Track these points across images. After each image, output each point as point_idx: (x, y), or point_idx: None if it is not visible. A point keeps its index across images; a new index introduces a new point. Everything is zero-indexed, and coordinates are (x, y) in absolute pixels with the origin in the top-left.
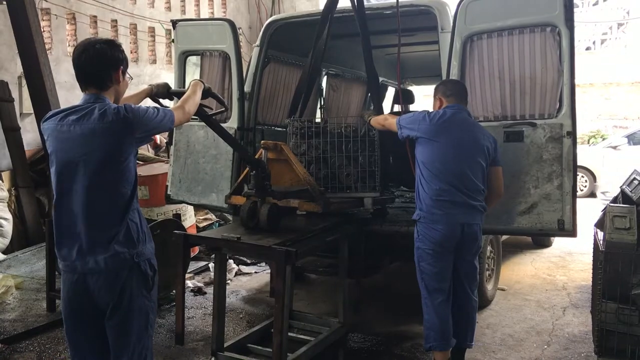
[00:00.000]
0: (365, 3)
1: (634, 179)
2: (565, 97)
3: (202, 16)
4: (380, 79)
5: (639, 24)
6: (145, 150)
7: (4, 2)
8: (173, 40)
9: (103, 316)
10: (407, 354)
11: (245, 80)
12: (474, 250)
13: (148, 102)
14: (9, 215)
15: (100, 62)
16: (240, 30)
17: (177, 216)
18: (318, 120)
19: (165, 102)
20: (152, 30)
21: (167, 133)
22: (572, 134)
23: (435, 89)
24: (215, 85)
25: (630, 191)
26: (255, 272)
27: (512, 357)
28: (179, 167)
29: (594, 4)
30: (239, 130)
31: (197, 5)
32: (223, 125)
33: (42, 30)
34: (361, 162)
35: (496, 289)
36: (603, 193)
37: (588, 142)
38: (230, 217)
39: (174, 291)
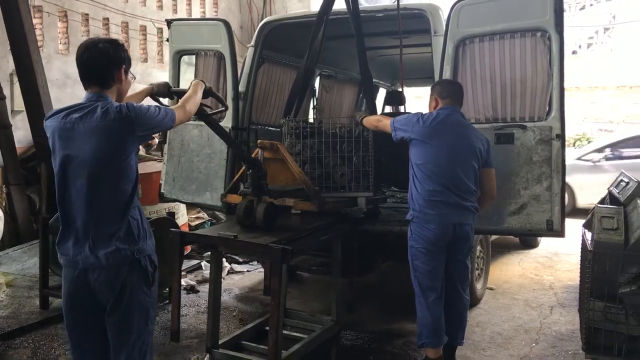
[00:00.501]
0: (362, 6)
1: (621, 180)
2: (554, 100)
3: (193, 15)
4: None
5: (625, 29)
6: None
7: None
8: (167, 39)
9: (103, 312)
10: (398, 351)
11: (240, 80)
12: (465, 249)
13: (148, 101)
14: (0, 213)
15: (103, 60)
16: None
17: (172, 215)
18: (311, 120)
19: (165, 101)
20: (143, 28)
21: None
22: (561, 136)
23: (432, 89)
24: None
25: (618, 193)
26: (248, 271)
27: (502, 354)
28: (173, 165)
29: (581, 9)
30: (234, 129)
31: (189, 4)
32: None
33: (34, 27)
34: (355, 162)
35: (485, 289)
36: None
37: (574, 145)
38: (222, 217)
39: (167, 289)
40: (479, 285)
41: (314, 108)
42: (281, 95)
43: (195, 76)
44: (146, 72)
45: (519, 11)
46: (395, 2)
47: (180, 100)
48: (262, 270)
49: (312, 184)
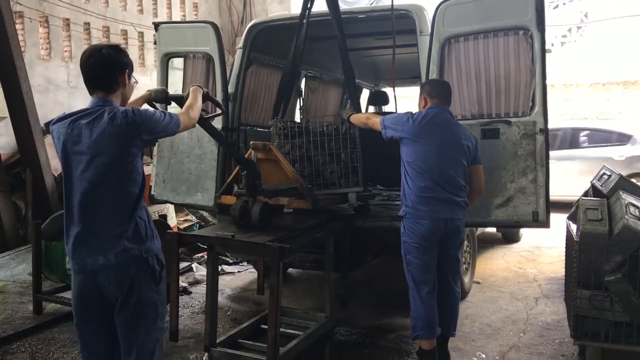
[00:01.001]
0: (342, 7)
1: (604, 174)
2: (537, 96)
3: (173, 19)
4: (356, 81)
5: (597, 27)
6: None
7: None
8: (155, 43)
9: (112, 310)
10: (392, 345)
11: (229, 82)
12: (457, 243)
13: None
14: None
15: (107, 65)
16: None
17: (164, 217)
18: (298, 120)
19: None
20: (124, 33)
21: None
22: (545, 131)
23: (421, 88)
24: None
25: (600, 185)
26: (238, 272)
27: (491, 345)
28: (163, 167)
29: (555, 7)
30: (224, 130)
31: (169, 8)
32: None
33: (17, 33)
34: (344, 158)
35: (472, 282)
36: None
37: None
38: (210, 218)
39: None
40: (466, 279)
41: (300, 109)
42: (269, 96)
43: (184, 79)
44: None
45: (502, 10)
46: (374, 3)
47: (183, 106)
48: (253, 270)
49: (305, 183)
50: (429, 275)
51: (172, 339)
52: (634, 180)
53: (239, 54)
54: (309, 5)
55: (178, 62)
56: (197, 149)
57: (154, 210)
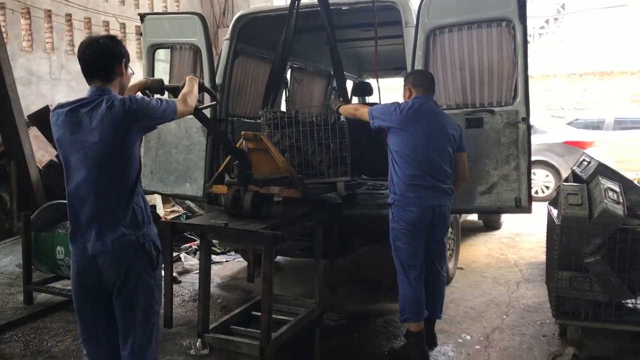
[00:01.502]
0: None
1: (583, 160)
2: (519, 86)
3: (155, 10)
4: None
5: (574, 19)
6: None
7: None
8: (138, 34)
9: (111, 295)
10: (380, 329)
11: (216, 73)
12: (443, 229)
13: None
14: None
15: (105, 55)
16: None
17: (153, 207)
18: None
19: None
20: (106, 24)
21: None
22: (527, 119)
23: (405, 79)
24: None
25: (580, 171)
26: (226, 261)
27: (476, 327)
28: (151, 158)
29: None
30: (212, 120)
31: None
32: None
33: None
34: (332, 148)
35: (456, 268)
36: None
37: None
38: (197, 209)
39: None
40: (450, 265)
41: (286, 99)
42: (256, 87)
43: (171, 69)
44: None
45: (485, 2)
46: None
47: (179, 95)
48: (241, 260)
49: (295, 172)
50: (416, 260)
51: (166, 325)
52: None
53: (226, 45)
54: None
55: (162, 55)
56: (185, 140)
57: None
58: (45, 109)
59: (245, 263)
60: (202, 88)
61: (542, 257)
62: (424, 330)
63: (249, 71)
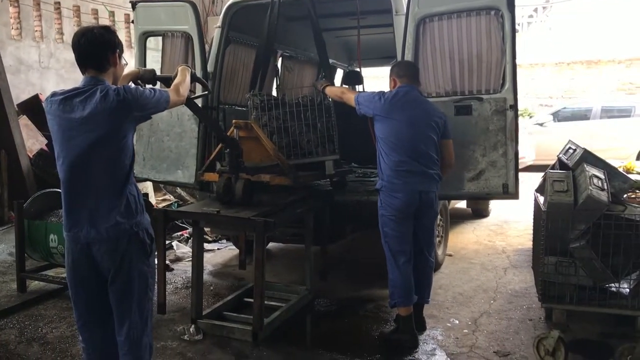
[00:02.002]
0: None
1: (569, 148)
2: (507, 74)
3: None
4: (330, 60)
5: (562, 8)
6: None
7: None
8: (127, 22)
9: (106, 282)
10: (371, 314)
11: (208, 61)
12: (431, 215)
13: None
14: None
15: (99, 44)
16: None
17: (146, 195)
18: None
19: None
20: (95, 12)
21: None
22: (514, 107)
23: (390, 70)
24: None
25: (566, 159)
26: (218, 249)
27: (464, 311)
28: (143, 145)
29: None
30: (203, 109)
31: None
32: None
33: None
34: (320, 128)
35: (445, 255)
36: None
37: None
38: (188, 197)
39: None
40: (439, 252)
41: (277, 87)
42: (247, 75)
43: (163, 57)
44: None
45: None
46: None
47: (172, 85)
48: (232, 248)
49: (286, 160)
50: (405, 245)
51: (160, 311)
52: None
53: (217, 33)
54: None
55: (152, 43)
56: (177, 127)
57: None
58: (35, 98)
59: (237, 251)
60: (194, 78)
61: (529, 244)
62: (413, 315)
63: (240, 59)
